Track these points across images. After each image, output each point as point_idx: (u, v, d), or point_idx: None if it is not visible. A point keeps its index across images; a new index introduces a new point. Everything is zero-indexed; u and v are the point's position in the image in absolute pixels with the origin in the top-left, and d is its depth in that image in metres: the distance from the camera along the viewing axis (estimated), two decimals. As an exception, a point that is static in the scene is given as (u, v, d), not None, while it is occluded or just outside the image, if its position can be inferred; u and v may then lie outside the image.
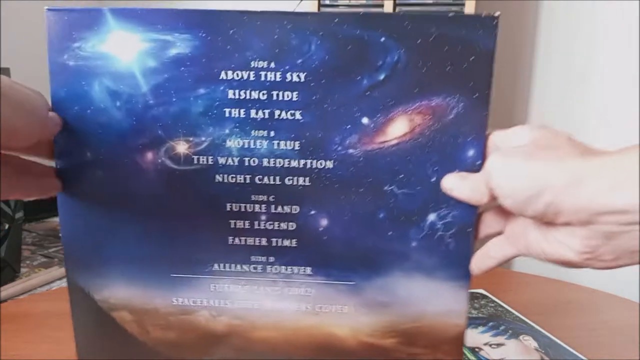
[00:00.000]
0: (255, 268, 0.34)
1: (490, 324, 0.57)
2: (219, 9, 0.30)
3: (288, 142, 0.32)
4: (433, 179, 0.32)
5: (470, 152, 0.31)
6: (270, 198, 0.33)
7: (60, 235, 0.34)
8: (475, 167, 0.31)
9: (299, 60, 0.31)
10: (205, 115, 0.31)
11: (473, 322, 0.57)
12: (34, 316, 0.60)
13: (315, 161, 0.32)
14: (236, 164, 0.32)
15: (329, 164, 0.32)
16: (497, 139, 0.31)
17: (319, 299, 0.34)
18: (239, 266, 0.34)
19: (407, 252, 0.33)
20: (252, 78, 0.31)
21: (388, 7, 1.30)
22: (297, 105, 0.31)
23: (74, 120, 0.31)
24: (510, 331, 0.55)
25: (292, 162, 0.32)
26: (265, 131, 0.32)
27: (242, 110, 0.32)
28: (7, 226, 1.00)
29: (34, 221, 1.35)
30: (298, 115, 0.32)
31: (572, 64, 1.40)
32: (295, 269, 0.34)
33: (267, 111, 0.32)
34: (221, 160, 0.32)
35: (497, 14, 0.30)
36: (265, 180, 0.33)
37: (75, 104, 0.31)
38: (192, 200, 0.33)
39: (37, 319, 0.59)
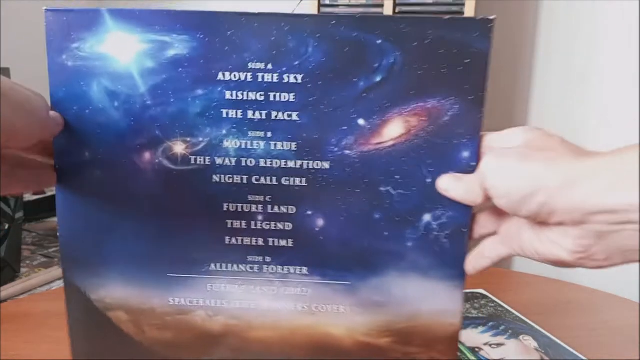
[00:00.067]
0: (252, 268, 0.34)
1: (490, 324, 0.57)
2: (217, 11, 0.30)
3: (285, 143, 0.32)
4: (428, 180, 0.32)
5: (465, 154, 0.31)
6: (267, 198, 0.33)
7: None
8: (469, 168, 0.31)
9: (296, 62, 0.31)
10: (203, 115, 0.32)
11: (473, 322, 0.57)
12: (34, 316, 0.60)
13: (311, 162, 0.32)
14: (233, 164, 0.32)
15: (326, 165, 0.32)
16: (491, 140, 0.31)
17: (315, 298, 0.35)
18: (235, 266, 0.34)
19: (403, 252, 0.33)
20: (249, 79, 0.31)
21: (388, 7, 1.30)
22: (294, 107, 0.32)
23: (73, 120, 0.32)
24: (510, 331, 0.55)
25: (289, 162, 0.32)
26: (263, 132, 0.32)
27: (239, 111, 0.32)
28: (7, 226, 1.00)
29: (34, 221, 1.35)
30: (295, 117, 0.32)
31: (572, 64, 1.40)
32: (292, 269, 0.34)
33: (264, 112, 0.32)
34: (218, 161, 0.32)
35: (492, 17, 0.30)
36: (262, 180, 0.33)
37: (74, 104, 0.31)
38: (189, 200, 0.33)
39: (37, 319, 0.59)
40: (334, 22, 0.30)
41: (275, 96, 0.32)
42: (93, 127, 0.32)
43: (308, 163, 0.32)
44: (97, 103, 0.31)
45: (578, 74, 1.38)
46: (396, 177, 0.32)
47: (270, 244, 0.34)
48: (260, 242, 0.34)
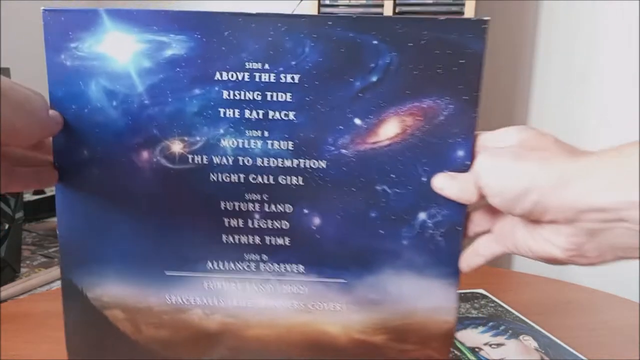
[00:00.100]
0: (248, 266, 0.35)
1: (490, 324, 0.57)
2: (214, 11, 0.31)
3: (282, 142, 0.32)
4: (424, 179, 0.32)
5: (460, 153, 0.32)
6: (264, 197, 0.33)
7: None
8: (464, 167, 0.32)
9: (293, 62, 0.31)
10: (200, 115, 0.32)
11: (473, 322, 0.57)
12: (34, 316, 0.60)
13: (308, 161, 0.33)
14: (230, 163, 0.33)
15: (322, 164, 0.33)
16: (485, 139, 0.31)
17: (312, 296, 0.35)
18: (232, 264, 0.35)
19: (398, 251, 0.34)
20: (246, 79, 0.32)
21: (388, 7, 1.30)
22: (291, 106, 0.32)
23: (72, 119, 0.32)
24: (510, 331, 0.55)
25: (285, 161, 0.33)
26: (260, 131, 0.32)
27: (236, 111, 0.32)
28: (7, 226, 1.00)
29: (34, 221, 1.35)
30: (292, 116, 0.32)
31: (572, 64, 1.40)
32: (289, 267, 0.34)
33: (261, 112, 0.32)
34: (216, 160, 0.33)
35: (486, 18, 0.30)
36: (259, 179, 0.33)
37: (72, 103, 0.32)
38: (186, 199, 0.33)
39: (37, 319, 0.59)
40: (331, 22, 0.31)
41: (272, 96, 0.32)
42: (91, 126, 0.32)
43: (305, 162, 0.33)
44: (95, 102, 0.32)
45: (578, 74, 1.38)
46: (392, 175, 0.32)
47: (267, 242, 0.34)
48: (257, 240, 0.34)
